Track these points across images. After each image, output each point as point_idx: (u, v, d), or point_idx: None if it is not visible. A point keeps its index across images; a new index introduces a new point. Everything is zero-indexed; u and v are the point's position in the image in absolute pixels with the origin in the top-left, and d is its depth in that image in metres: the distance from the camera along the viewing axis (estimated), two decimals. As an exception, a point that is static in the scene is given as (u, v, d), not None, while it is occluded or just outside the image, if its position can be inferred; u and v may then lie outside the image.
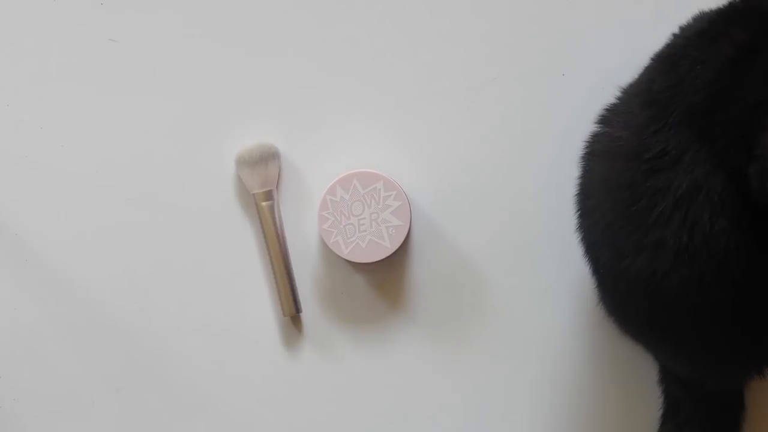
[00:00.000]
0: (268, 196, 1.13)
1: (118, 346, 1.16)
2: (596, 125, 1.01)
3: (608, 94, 1.10)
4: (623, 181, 0.92)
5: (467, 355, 1.14)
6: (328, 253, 1.13)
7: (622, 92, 1.02)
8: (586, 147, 1.02)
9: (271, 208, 1.13)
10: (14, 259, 1.16)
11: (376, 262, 1.11)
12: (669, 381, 1.08)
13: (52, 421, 1.16)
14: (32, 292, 1.16)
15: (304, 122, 1.14)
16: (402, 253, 1.13)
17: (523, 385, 1.13)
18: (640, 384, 1.11)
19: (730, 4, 0.95)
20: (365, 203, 1.10)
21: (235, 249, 1.15)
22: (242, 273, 1.15)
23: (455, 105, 1.14)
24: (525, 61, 1.13)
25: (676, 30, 0.99)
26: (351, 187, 1.10)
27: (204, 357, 1.15)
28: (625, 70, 1.09)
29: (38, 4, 1.15)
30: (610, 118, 1.00)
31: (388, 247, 1.10)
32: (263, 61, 1.14)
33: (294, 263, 1.14)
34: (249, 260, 1.15)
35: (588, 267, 1.02)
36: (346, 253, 1.10)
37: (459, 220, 1.13)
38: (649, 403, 1.10)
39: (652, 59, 1.01)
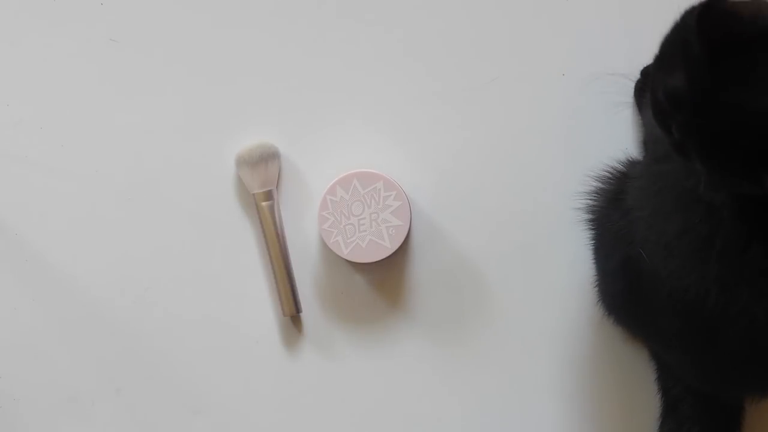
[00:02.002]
0: (268, 196, 1.13)
1: (119, 346, 1.16)
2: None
3: (608, 95, 1.10)
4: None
5: (467, 355, 1.14)
6: (328, 253, 1.13)
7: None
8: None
9: (271, 208, 1.13)
10: (14, 259, 1.16)
11: (376, 262, 1.11)
12: (667, 379, 1.08)
13: (52, 421, 1.16)
14: (32, 292, 1.16)
15: (304, 122, 1.14)
16: (402, 253, 1.13)
17: (522, 385, 1.13)
18: (640, 384, 1.11)
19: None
20: (365, 203, 1.10)
21: (235, 249, 1.15)
22: (242, 273, 1.15)
23: (455, 105, 1.14)
24: (525, 61, 1.13)
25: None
26: (351, 187, 1.10)
27: (204, 357, 1.15)
28: (625, 70, 1.09)
29: (38, 4, 1.15)
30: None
31: (388, 247, 1.10)
32: (263, 61, 1.14)
33: (294, 263, 1.14)
34: (249, 260, 1.15)
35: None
36: (346, 253, 1.10)
37: (459, 220, 1.13)
38: (649, 402, 1.10)
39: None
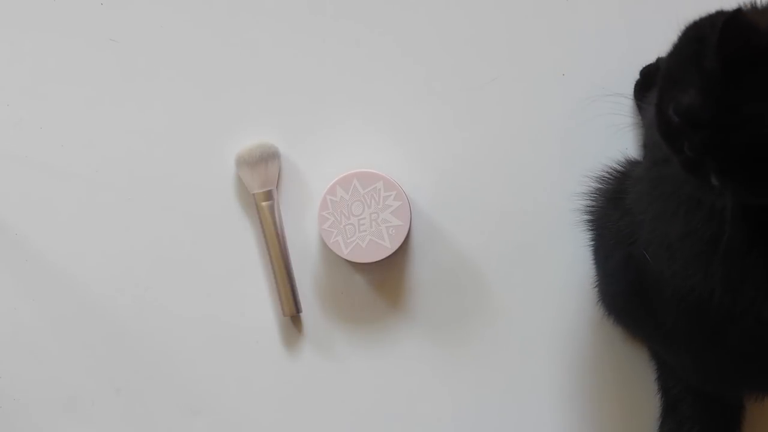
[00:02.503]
0: (268, 196, 1.13)
1: (118, 346, 1.16)
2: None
3: (608, 94, 1.10)
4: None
5: (467, 355, 1.14)
6: (328, 253, 1.13)
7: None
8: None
9: (271, 208, 1.13)
10: (14, 259, 1.16)
11: (376, 262, 1.11)
12: (667, 379, 1.08)
13: (52, 421, 1.16)
14: (32, 292, 1.16)
15: (304, 122, 1.14)
16: (402, 253, 1.13)
17: (522, 385, 1.13)
18: (640, 384, 1.11)
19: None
20: (365, 203, 1.10)
21: (235, 249, 1.15)
22: (242, 273, 1.15)
23: (455, 105, 1.14)
24: (525, 61, 1.13)
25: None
26: (351, 187, 1.10)
27: (204, 357, 1.15)
28: (625, 70, 1.09)
29: (38, 4, 1.15)
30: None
31: (388, 247, 1.10)
32: (263, 61, 1.14)
33: (294, 263, 1.14)
34: (249, 260, 1.15)
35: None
36: (346, 253, 1.10)
37: (459, 220, 1.13)
38: (649, 402, 1.10)
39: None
